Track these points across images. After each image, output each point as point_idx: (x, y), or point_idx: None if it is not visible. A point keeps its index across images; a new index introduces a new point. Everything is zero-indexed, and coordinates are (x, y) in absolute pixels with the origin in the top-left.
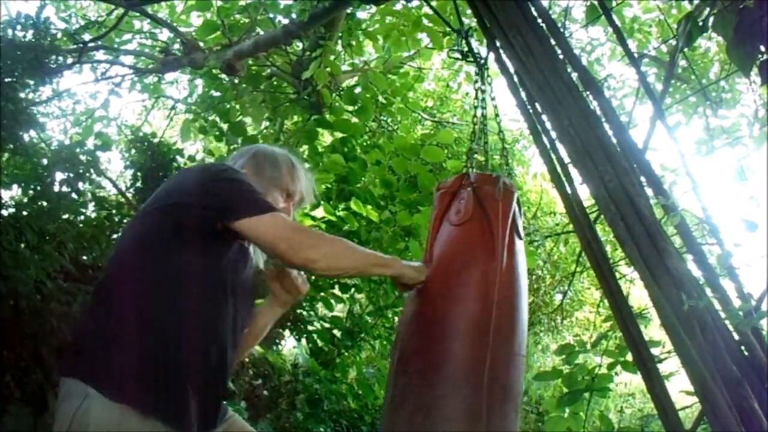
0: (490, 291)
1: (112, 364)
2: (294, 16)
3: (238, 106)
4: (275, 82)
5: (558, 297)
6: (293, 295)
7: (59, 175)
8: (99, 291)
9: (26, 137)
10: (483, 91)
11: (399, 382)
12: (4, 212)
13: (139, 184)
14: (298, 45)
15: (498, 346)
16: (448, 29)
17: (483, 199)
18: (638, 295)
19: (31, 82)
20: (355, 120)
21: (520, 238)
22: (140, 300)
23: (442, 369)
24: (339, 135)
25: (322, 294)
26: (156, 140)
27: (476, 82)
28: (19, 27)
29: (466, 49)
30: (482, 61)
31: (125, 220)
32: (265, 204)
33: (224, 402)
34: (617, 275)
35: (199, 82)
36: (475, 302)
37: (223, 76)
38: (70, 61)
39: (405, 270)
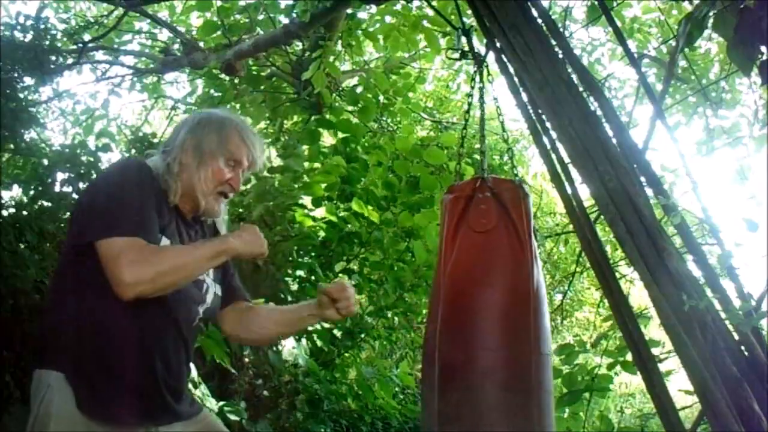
0: (526, 296)
1: (64, 358)
2: (295, 15)
3: (238, 106)
4: (275, 83)
5: (558, 297)
6: (341, 317)
7: (60, 175)
8: (53, 287)
9: (27, 137)
10: (482, 89)
11: (448, 397)
12: (4, 212)
13: None
14: (298, 45)
15: (536, 349)
16: (447, 30)
17: (506, 205)
18: (638, 295)
19: (32, 83)
20: (355, 120)
21: (537, 241)
22: (76, 301)
23: (491, 378)
24: (340, 135)
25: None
26: (156, 140)
27: (473, 80)
28: (19, 27)
29: (466, 48)
30: (481, 59)
31: None
32: (109, 228)
33: (192, 401)
34: (617, 275)
35: (200, 82)
36: (515, 308)
37: (223, 76)
38: (70, 61)
39: (242, 248)
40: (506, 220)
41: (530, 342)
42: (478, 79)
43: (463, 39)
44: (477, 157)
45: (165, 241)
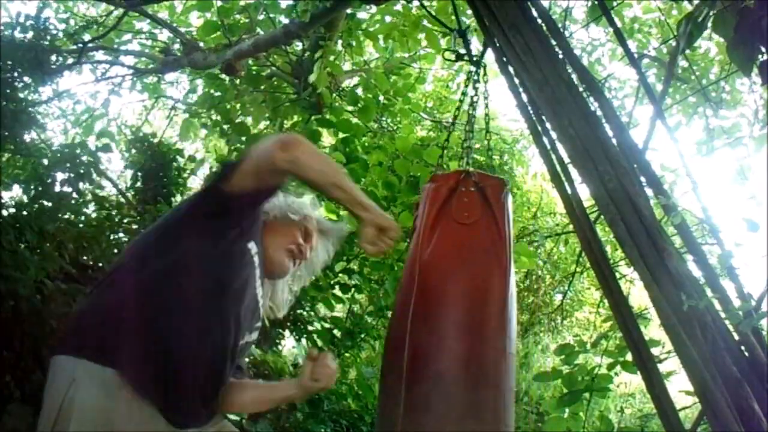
0: (503, 291)
1: (108, 335)
2: (295, 16)
3: (238, 106)
4: (275, 83)
5: (558, 297)
6: (319, 384)
7: (60, 176)
8: (110, 276)
9: (27, 137)
10: (476, 89)
11: (417, 387)
12: (5, 212)
13: (139, 184)
14: (298, 45)
15: (509, 348)
16: (448, 30)
17: (490, 200)
18: (638, 296)
19: (31, 83)
20: (355, 120)
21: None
22: (144, 285)
23: (467, 373)
24: (340, 135)
25: (323, 294)
26: (156, 140)
27: (467, 79)
28: (19, 27)
29: (463, 50)
30: (477, 60)
31: (125, 221)
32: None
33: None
34: (617, 275)
35: (200, 82)
36: (489, 302)
37: (224, 76)
38: (70, 61)
39: (376, 212)
40: (489, 215)
41: (502, 340)
42: (473, 80)
43: (460, 40)
44: (476, 157)
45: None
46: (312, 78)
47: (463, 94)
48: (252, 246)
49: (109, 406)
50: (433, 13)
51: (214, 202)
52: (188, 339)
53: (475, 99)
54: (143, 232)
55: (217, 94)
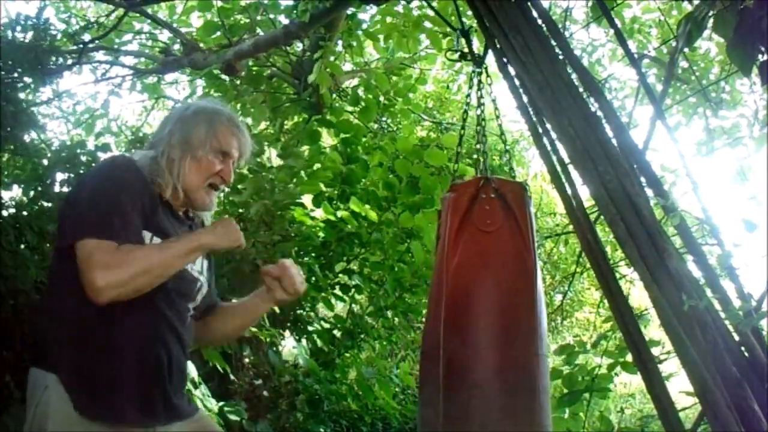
0: (531, 297)
1: (60, 360)
2: (295, 16)
3: (238, 106)
4: (275, 83)
5: (558, 297)
6: (290, 295)
7: (60, 176)
8: (46, 290)
9: (26, 138)
10: (480, 89)
11: (458, 396)
12: (5, 212)
13: None
14: (298, 46)
15: (541, 351)
16: (448, 30)
17: (512, 207)
18: (638, 296)
19: (31, 83)
20: (356, 121)
21: (536, 242)
22: (67, 303)
23: (500, 379)
24: (341, 136)
25: (323, 294)
26: None
27: (471, 80)
28: (19, 28)
29: (465, 49)
30: (480, 60)
31: None
32: (83, 231)
33: (189, 400)
34: (617, 276)
35: (200, 82)
36: (519, 310)
37: (224, 76)
38: (70, 61)
39: (215, 243)
40: (512, 221)
41: (534, 343)
42: (477, 80)
43: (462, 40)
44: (476, 157)
45: (155, 240)
46: (311, 78)
47: (468, 96)
48: (146, 235)
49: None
50: (434, 13)
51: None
52: (122, 336)
53: (482, 100)
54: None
55: (218, 94)
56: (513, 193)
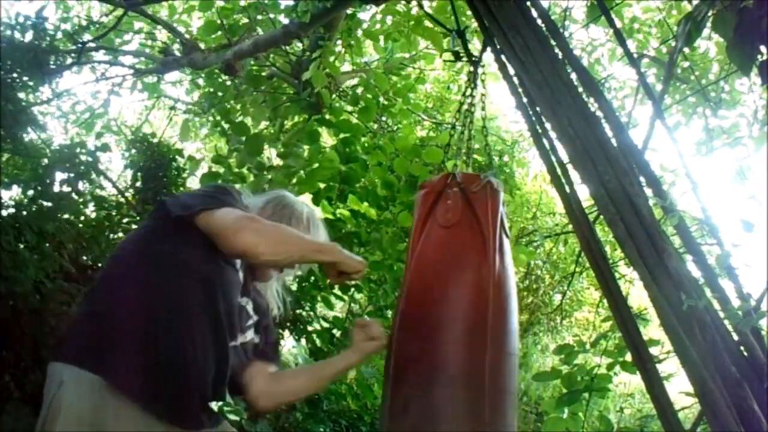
0: (485, 293)
1: (102, 352)
2: (295, 16)
3: (238, 106)
4: (275, 83)
5: (557, 297)
6: (376, 344)
7: (59, 176)
8: (98, 283)
9: (26, 137)
10: (473, 89)
11: (398, 391)
12: (4, 212)
13: (138, 184)
14: (298, 46)
15: (494, 347)
16: (446, 30)
17: (472, 200)
18: (638, 296)
19: (31, 83)
20: (355, 120)
21: (507, 237)
22: (138, 293)
23: (443, 374)
24: (340, 136)
25: (323, 293)
26: (156, 140)
27: (468, 80)
28: (18, 28)
29: (460, 50)
30: (476, 60)
31: (125, 221)
32: (220, 202)
33: (215, 410)
34: (616, 275)
35: (200, 82)
36: (471, 304)
37: (224, 76)
38: (69, 61)
39: (344, 257)
40: (470, 215)
41: (486, 339)
42: (471, 79)
43: (458, 40)
44: (476, 157)
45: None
46: (306, 76)
47: (464, 95)
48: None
49: (98, 408)
50: (432, 14)
51: (180, 224)
52: (178, 342)
53: (473, 100)
54: (124, 240)
55: (219, 94)
56: (475, 187)
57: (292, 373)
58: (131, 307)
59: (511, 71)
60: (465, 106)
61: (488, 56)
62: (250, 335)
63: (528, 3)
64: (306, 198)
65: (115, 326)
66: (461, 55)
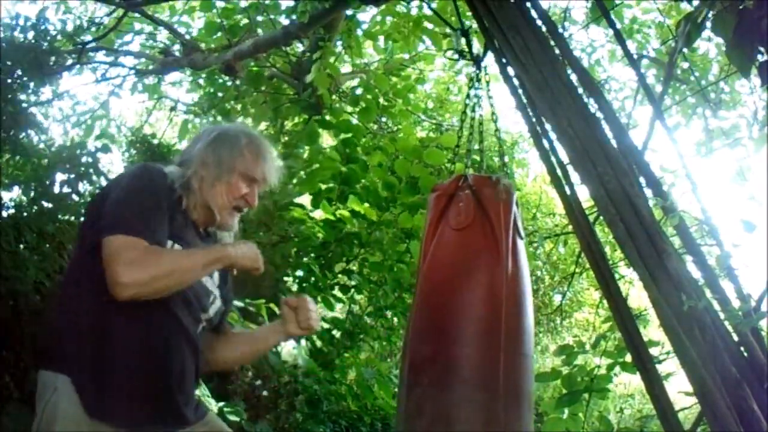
0: (498, 294)
1: (71, 360)
2: (294, 17)
3: (239, 107)
4: (275, 83)
5: (557, 298)
6: (303, 330)
7: (59, 176)
8: (61, 289)
9: (26, 138)
10: (476, 88)
11: (413, 393)
12: (4, 213)
13: None
14: (298, 46)
15: (508, 349)
16: (448, 31)
17: (484, 202)
18: (637, 296)
19: (31, 84)
20: (355, 121)
21: (522, 239)
22: (84, 303)
23: (457, 375)
24: (341, 137)
25: (323, 294)
26: (156, 141)
27: (471, 80)
28: (18, 28)
29: (465, 49)
30: (480, 60)
31: None
32: (112, 227)
33: (198, 404)
34: (616, 276)
35: (201, 82)
36: (485, 306)
37: (224, 76)
38: (69, 62)
39: (239, 259)
40: (482, 217)
41: (500, 341)
42: (475, 80)
43: (462, 40)
44: (476, 158)
45: (177, 247)
46: (309, 78)
47: (467, 96)
48: (168, 242)
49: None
50: (434, 14)
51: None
52: (137, 342)
53: (476, 101)
54: (74, 248)
55: (220, 94)
56: (487, 189)
57: (228, 344)
58: (83, 321)
59: (511, 72)
60: (468, 109)
61: (488, 57)
62: (213, 310)
63: (528, 4)
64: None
65: (77, 339)
66: (465, 54)
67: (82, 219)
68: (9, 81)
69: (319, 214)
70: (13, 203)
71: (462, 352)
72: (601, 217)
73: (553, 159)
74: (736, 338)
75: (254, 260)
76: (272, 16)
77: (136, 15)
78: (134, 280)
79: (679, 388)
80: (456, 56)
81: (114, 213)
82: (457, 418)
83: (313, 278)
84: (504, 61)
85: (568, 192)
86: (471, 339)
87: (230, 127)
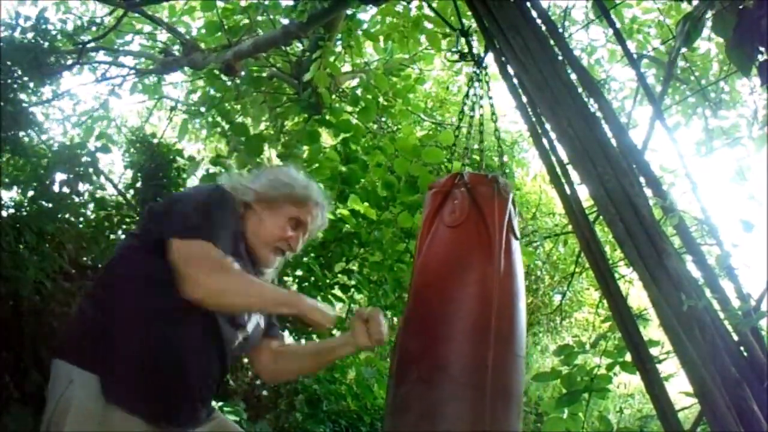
0: (489, 293)
1: (103, 356)
2: (294, 16)
3: (238, 107)
4: (275, 83)
5: (557, 298)
6: (372, 342)
7: (59, 176)
8: (101, 283)
9: (26, 138)
10: (474, 88)
11: (401, 388)
12: (4, 213)
13: (138, 184)
14: (298, 46)
15: (498, 348)
16: (447, 31)
17: (478, 200)
18: (637, 296)
19: (31, 84)
20: (355, 121)
21: (517, 239)
22: (135, 301)
23: (444, 372)
24: (340, 136)
25: (323, 293)
26: (156, 141)
27: (471, 80)
28: (19, 28)
29: (465, 49)
30: (480, 60)
31: (125, 221)
32: (192, 229)
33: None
34: (616, 276)
35: (201, 82)
36: (474, 304)
37: (224, 76)
38: (69, 62)
39: (310, 311)
40: (476, 215)
41: (489, 339)
42: (475, 80)
43: (462, 40)
44: (476, 157)
45: (235, 265)
46: (307, 77)
47: (467, 96)
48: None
49: (108, 409)
50: (434, 14)
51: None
52: (177, 355)
53: (476, 100)
54: (119, 245)
55: (218, 94)
56: (482, 186)
57: (294, 354)
58: (130, 323)
59: (511, 72)
60: (467, 108)
61: (488, 56)
62: (251, 327)
63: (528, 3)
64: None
65: (116, 342)
66: (465, 55)
67: (147, 220)
68: (9, 81)
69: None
70: (13, 203)
71: (450, 349)
72: (601, 217)
73: (552, 158)
74: (736, 338)
75: (327, 319)
76: (272, 17)
77: (136, 15)
78: (210, 285)
79: (678, 388)
80: (456, 57)
81: (193, 218)
82: (443, 415)
83: (313, 278)
84: (504, 60)
85: (568, 191)
86: (460, 336)
87: (291, 171)
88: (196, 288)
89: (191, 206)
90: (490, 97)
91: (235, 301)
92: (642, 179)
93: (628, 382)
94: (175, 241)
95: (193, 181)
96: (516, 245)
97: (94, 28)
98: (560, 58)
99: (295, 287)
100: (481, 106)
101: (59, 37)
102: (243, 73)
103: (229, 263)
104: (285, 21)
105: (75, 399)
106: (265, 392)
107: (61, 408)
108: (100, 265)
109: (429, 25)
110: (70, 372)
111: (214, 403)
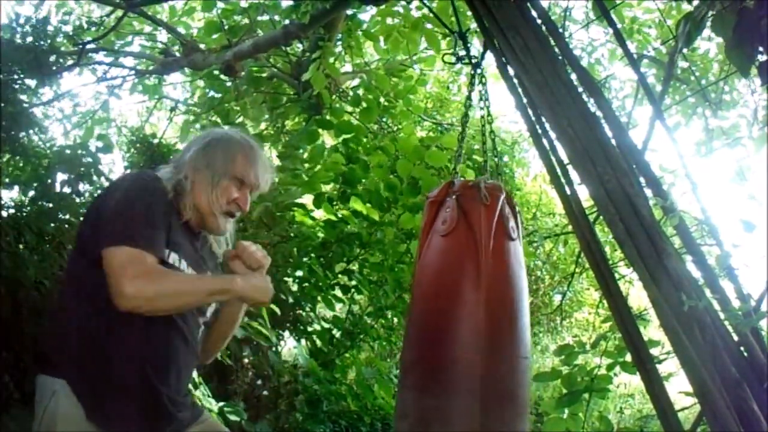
0: (478, 299)
1: (70, 365)
2: (295, 16)
3: (238, 107)
4: (275, 84)
5: (557, 298)
6: (255, 269)
7: (60, 176)
8: (60, 295)
9: (26, 139)
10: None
11: (401, 394)
12: (4, 213)
13: None
14: (298, 46)
15: (495, 351)
16: (447, 31)
17: (465, 207)
18: (637, 296)
19: (32, 84)
20: (356, 121)
21: (512, 240)
22: (83, 309)
23: (438, 379)
24: (342, 137)
25: (323, 294)
26: (155, 141)
27: (470, 83)
28: (19, 29)
29: (462, 52)
30: (477, 62)
31: None
32: (115, 236)
33: (192, 404)
34: (616, 276)
35: (201, 83)
36: (465, 310)
37: (224, 76)
38: (70, 62)
39: (244, 292)
40: (464, 222)
41: (481, 344)
42: (476, 82)
43: (460, 42)
44: (476, 158)
45: (173, 256)
46: (305, 77)
47: (467, 98)
48: (167, 255)
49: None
50: (433, 15)
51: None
52: (135, 345)
53: (473, 102)
54: (70, 255)
55: (218, 95)
56: (468, 193)
57: (210, 337)
58: (84, 325)
59: (511, 72)
60: (470, 111)
61: (488, 56)
62: (209, 312)
63: (528, 3)
64: (307, 199)
65: (77, 345)
66: (463, 57)
67: (79, 226)
68: (9, 81)
69: (320, 213)
70: (13, 203)
71: (443, 355)
72: (601, 217)
73: (552, 158)
74: (736, 338)
75: (264, 294)
76: (272, 17)
77: (136, 15)
78: (138, 294)
79: (678, 388)
80: (454, 59)
81: (115, 224)
82: (436, 421)
83: (313, 278)
84: (504, 60)
85: (568, 192)
86: (452, 342)
87: (223, 132)
88: (124, 300)
89: (114, 210)
90: (487, 99)
91: (169, 304)
92: (642, 179)
93: (628, 382)
94: (103, 253)
95: None
96: (511, 247)
97: (94, 29)
98: (560, 58)
99: (295, 287)
100: (482, 108)
101: (59, 37)
102: (243, 73)
103: (154, 267)
104: (285, 21)
105: (60, 407)
106: (265, 392)
107: (47, 418)
108: None
109: (429, 26)
110: (53, 384)
111: (213, 404)
